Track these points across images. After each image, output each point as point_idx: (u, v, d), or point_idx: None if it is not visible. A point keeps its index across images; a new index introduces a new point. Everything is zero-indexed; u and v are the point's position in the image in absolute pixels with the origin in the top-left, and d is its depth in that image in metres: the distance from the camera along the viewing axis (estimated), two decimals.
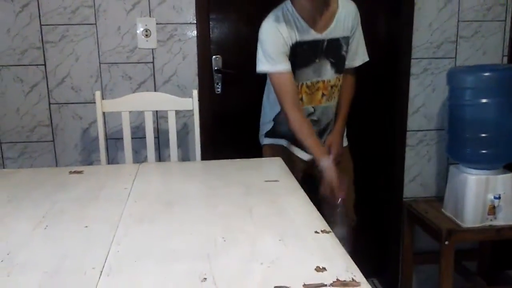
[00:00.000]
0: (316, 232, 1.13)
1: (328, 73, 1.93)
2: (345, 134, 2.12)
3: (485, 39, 2.50)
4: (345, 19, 1.89)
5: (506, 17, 2.49)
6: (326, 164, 1.84)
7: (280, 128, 2.04)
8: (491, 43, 2.51)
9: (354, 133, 2.19)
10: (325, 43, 1.88)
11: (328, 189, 1.83)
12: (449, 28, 2.47)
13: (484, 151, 2.14)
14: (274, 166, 1.75)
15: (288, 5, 1.85)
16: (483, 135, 2.13)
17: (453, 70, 2.31)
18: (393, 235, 2.66)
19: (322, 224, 1.18)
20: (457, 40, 2.49)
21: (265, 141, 2.11)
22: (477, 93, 2.13)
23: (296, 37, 1.83)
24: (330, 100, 1.98)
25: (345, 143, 2.14)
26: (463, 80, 2.18)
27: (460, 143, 2.21)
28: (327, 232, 1.13)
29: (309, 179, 1.98)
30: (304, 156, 2.06)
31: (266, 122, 2.10)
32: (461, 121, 2.19)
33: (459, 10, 2.45)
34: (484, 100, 2.11)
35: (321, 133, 2.04)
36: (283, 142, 2.07)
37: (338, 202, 1.79)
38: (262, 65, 1.85)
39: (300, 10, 1.82)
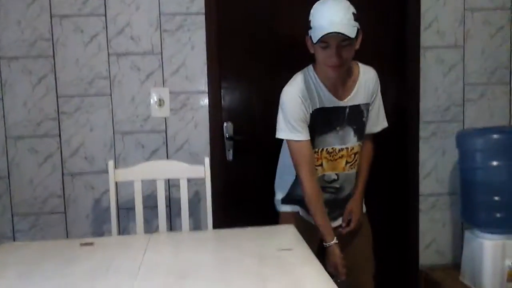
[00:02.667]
0: None
1: (351, 140, 1.91)
2: (363, 200, 2.09)
3: (491, 102, 2.53)
4: (365, 86, 1.89)
5: (510, 80, 2.53)
6: (332, 245, 1.87)
7: (296, 194, 2.00)
8: (497, 105, 2.54)
9: (366, 199, 2.17)
10: (347, 110, 1.87)
11: (332, 267, 1.86)
12: (455, 91, 2.51)
13: (498, 215, 2.11)
14: (287, 234, 1.73)
15: (310, 71, 1.85)
16: (497, 198, 2.12)
17: (461, 133, 2.31)
18: None
19: None
20: (463, 103, 2.52)
21: (282, 208, 2.07)
22: (487, 156, 2.13)
23: (317, 104, 1.83)
24: (353, 167, 1.95)
25: (364, 209, 2.09)
26: (472, 143, 2.19)
27: (474, 207, 2.18)
28: None
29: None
30: None
31: (281, 189, 2.06)
32: (473, 185, 2.17)
33: (464, 74, 2.50)
34: (495, 163, 2.11)
35: (343, 202, 2.00)
36: (298, 209, 2.03)
37: (341, 279, 1.85)
38: (282, 132, 1.85)
39: (324, 78, 1.82)
